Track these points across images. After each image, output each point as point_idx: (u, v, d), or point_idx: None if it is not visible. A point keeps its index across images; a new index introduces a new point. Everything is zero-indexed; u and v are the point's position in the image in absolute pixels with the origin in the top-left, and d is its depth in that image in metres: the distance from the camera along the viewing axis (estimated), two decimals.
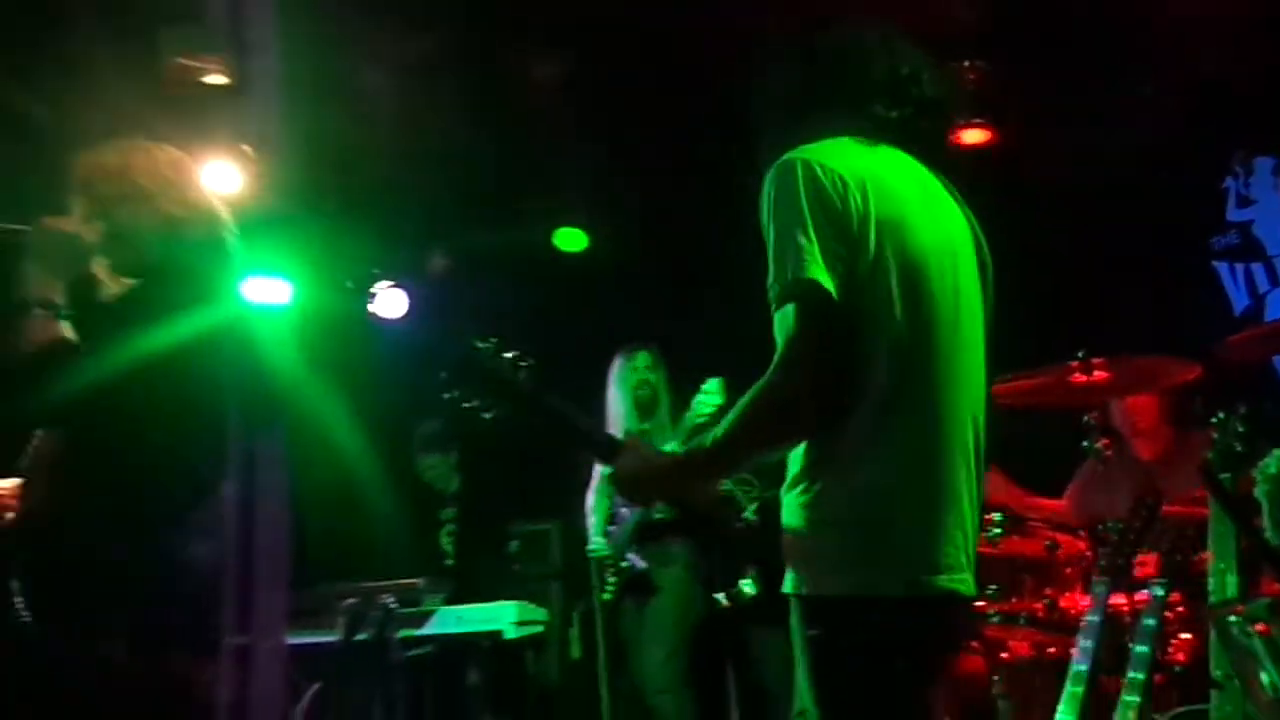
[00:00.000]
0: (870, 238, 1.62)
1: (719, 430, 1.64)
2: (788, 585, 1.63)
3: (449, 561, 5.03)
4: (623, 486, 1.86)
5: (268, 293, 4.82)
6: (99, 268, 2.26)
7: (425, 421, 5.22)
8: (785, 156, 1.67)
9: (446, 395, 1.92)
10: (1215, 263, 4.59)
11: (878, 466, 1.59)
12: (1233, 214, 4.58)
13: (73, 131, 3.36)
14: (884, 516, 1.58)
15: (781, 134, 1.74)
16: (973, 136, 4.38)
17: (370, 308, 5.29)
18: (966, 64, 4.28)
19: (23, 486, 2.25)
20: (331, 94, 4.19)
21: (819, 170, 1.63)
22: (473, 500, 5.15)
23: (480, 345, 1.89)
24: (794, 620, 1.62)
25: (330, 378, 4.83)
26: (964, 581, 1.62)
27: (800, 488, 1.64)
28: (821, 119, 1.75)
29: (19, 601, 2.13)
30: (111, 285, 2.28)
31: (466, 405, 1.91)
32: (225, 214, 2.41)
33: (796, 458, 1.66)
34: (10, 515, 2.22)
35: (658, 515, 4.19)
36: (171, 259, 2.23)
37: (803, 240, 1.59)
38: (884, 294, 1.63)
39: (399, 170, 4.69)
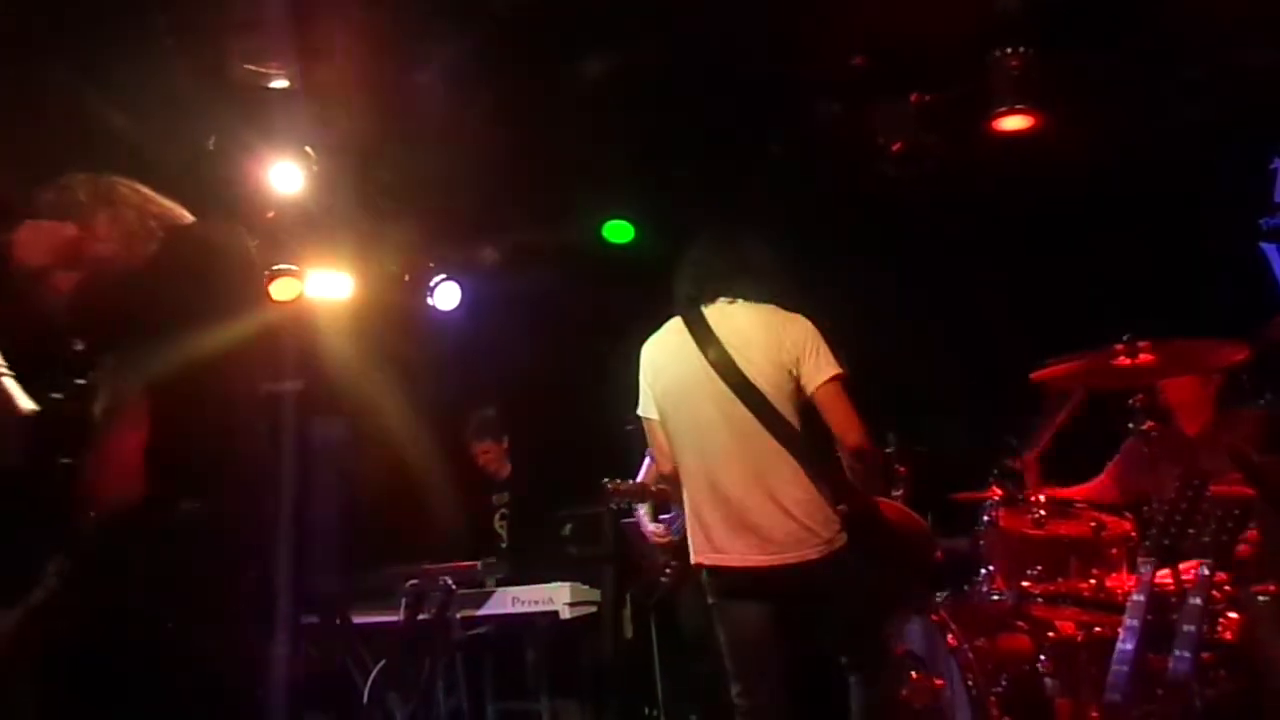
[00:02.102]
0: (654, 384, 3.12)
1: None
2: None
3: (504, 545, 5.16)
4: None
5: (328, 286, 5.01)
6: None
7: (478, 410, 5.34)
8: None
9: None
10: (1263, 244, 4.55)
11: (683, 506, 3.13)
12: None
13: (149, 133, 3.54)
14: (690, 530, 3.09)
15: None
16: (1015, 123, 4.37)
17: (427, 300, 5.44)
18: (1009, 50, 4.28)
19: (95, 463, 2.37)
20: (387, 95, 4.32)
21: (644, 349, 3.18)
22: (526, 485, 5.26)
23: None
24: None
25: (388, 367, 4.99)
26: (714, 558, 2.99)
27: None
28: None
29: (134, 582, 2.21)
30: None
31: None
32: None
33: None
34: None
35: None
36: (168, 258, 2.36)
37: (641, 388, 3.16)
38: (664, 414, 3.08)
39: (451, 167, 4.80)
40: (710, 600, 3.03)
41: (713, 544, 2.98)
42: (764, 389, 2.95)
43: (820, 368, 2.97)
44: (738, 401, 2.95)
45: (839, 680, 3.03)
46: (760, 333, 3.03)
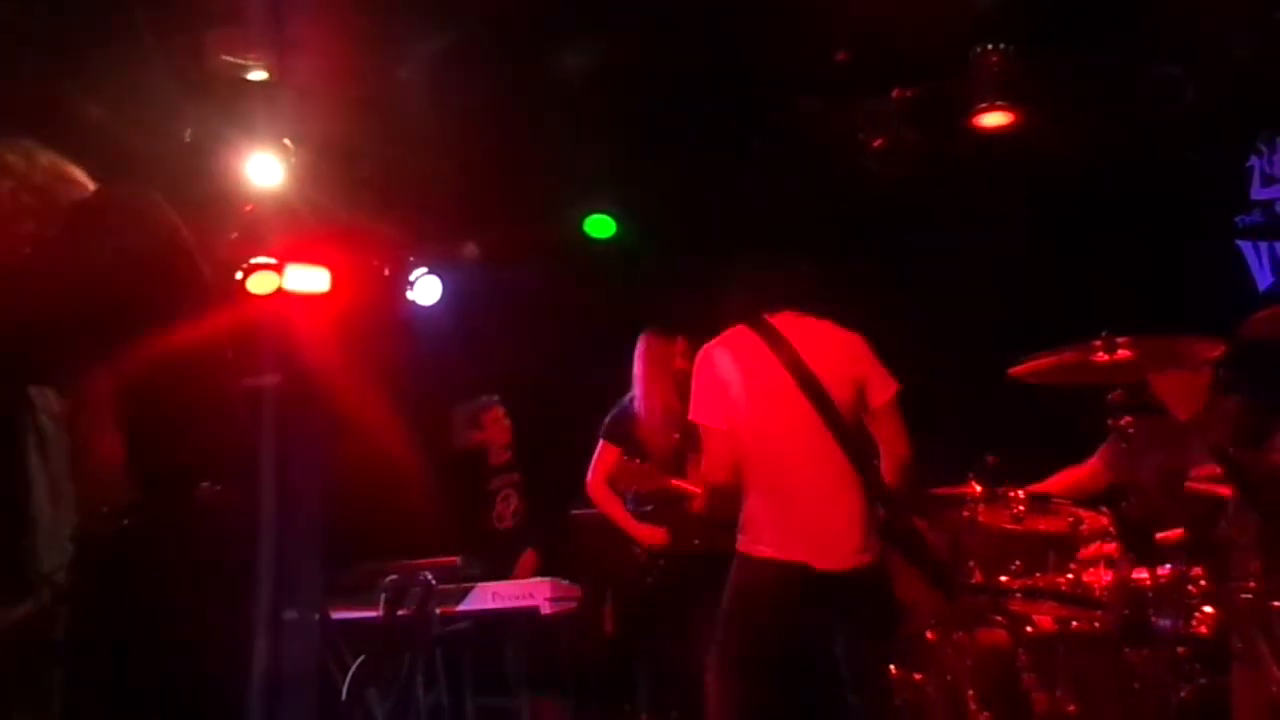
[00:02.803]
0: (724, 392, 3.13)
1: None
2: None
3: (500, 525, 5.12)
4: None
5: (307, 280, 4.97)
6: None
7: (467, 400, 5.33)
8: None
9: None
10: (1239, 241, 4.60)
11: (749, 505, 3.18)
12: (1257, 192, 4.59)
13: (126, 125, 3.50)
14: (749, 525, 3.16)
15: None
16: (995, 119, 4.39)
17: (407, 294, 5.41)
18: (990, 47, 4.30)
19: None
20: (367, 88, 4.29)
21: (706, 356, 3.21)
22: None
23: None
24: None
25: (368, 362, 4.96)
26: (770, 552, 3.08)
27: None
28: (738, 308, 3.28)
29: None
30: None
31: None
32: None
33: None
34: None
35: None
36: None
37: (698, 395, 3.18)
38: (738, 419, 3.10)
39: (432, 161, 4.77)
40: (745, 585, 3.10)
41: (773, 541, 3.07)
42: (836, 399, 3.09)
43: (886, 382, 3.17)
44: (813, 409, 3.07)
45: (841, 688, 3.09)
46: (829, 345, 3.18)
